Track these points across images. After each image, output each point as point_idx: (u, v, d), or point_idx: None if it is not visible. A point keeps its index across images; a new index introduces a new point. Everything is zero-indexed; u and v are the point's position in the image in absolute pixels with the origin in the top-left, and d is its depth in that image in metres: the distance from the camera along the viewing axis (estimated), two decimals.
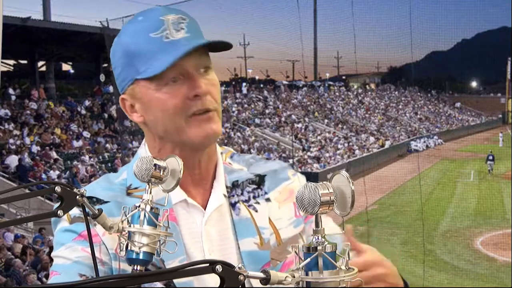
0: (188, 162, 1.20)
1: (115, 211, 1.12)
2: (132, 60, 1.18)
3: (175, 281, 1.14)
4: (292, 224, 1.31)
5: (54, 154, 19.86)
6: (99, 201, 1.18)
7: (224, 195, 1.27)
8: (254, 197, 1.30)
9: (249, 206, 1.28)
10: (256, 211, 1.28)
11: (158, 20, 1.17)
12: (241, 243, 1.24)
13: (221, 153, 1.33)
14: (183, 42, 1.16)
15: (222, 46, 1.21)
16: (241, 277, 0.81)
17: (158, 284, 1.13)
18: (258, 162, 1.38)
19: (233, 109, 36.39)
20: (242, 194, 1.29)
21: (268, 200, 1.31)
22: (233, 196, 1.28)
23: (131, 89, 1.21)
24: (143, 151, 1.28)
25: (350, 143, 37.62)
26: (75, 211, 1.14)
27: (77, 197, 0.94)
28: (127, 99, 1.23)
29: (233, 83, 46.19)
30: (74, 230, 1.15)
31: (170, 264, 1.14)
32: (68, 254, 1.13)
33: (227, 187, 1.28)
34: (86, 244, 1.12)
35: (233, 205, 1.27)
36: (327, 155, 33.50)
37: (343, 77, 69.44)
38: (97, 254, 1.12)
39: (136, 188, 1.22)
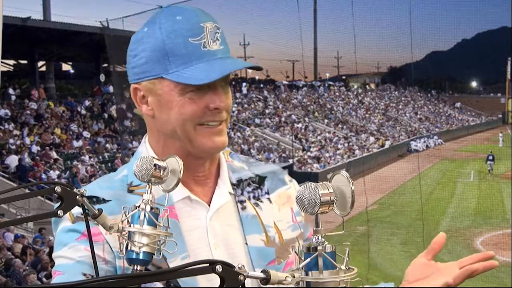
0: (193, 166, 1.22)
1: (117, 209, 1.11)
2: (162, 58, 1.17)
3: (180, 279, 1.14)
4: (289, 228, 1.33)
5: (54, 154, 19.86)
6: (100, 201, 1.18)
7: (230, 193, 1.28)
8: (258, 196, 1.31)
9: (254, 204, 1.30)
10: (261, 209, 1.30)
11: (199, 25, 1.17)
12: (248, 239, 1.25)
13: (222, 151, 1.34)
14: (219, 54, 1.18)
15: (252, 68, 1.25)
16: (241, 277, 0.81)
17: (158, 284, 1.13)
18: (256, 163, 1.40)
19: (233, 109, 36.36)
20: (249, 192, 1.31)
21: (270, 201, 1.33)
22: (239, 193, 1.29)
23: (151, 83, 1.20)
24: (144, 149, 1.28)
25: (350, 143, 37.62)
26: (78, 210, 1.14)
27: (77, 197, 0.94)
28: (141, 89, 1.22)
29: (233, 83, 46.12)
30: (77, 229, 1.15)
31: (173, 261, 1.15)
32: (71, 254, 1.13)
33: (232, 184, 1.29)
34: (89, 243, 1.12)
35: (239, 203, 1.28)
36: (327, 155, 33.50)
37: (343, 77, 69.50)
38: (100, 253, 1.12)
39: (137, 185, 1.21)
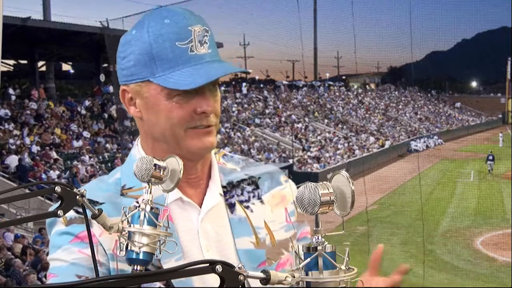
0: (185, 167, 1.21)
1: (111, 212, 1.11)
2: (149, 61, 1.17)
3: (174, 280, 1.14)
4: (283, 228, 1.32)
5: (54, 154, 19.85)
6: (95, 203, 1.17)
7: (220, 194, 1.28)
8: (250, 198, 1.31)
9: (245, 206, 1.29)
10: (252, 211, 1.29)
11: (186, 29, 1.17)
12: (238, 241, 1.25)
13: (214, 153, 1.34)
14: (207, 58, 1.18)
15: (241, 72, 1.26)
16: (241, 277, 0.81)
17: (158, 284, 1.13)
18: (251, 164, 1.39)
19: (233, 109, 36.38)
20: (239, 194, 1.30)
21: (262, 202, 1.32)
22: (229, 196, 1.29)
23: (138, 85, 1.20)
24: (136, 152, 1.28)
25: (350, 143, 37.62)
26: (72, 213, 1.14)
27: (77, 197, 0.94)
28: (129, 91, 1.23)
29: (233, 83, 46.13)
30: (70, 232, 1.15)
31: (167, 262, 1.14)
32: (65, 256, 1.13)
33: (223, 186, 1.29)
34: (82, 245, 1.12)
35: (229, 205, 1.28)
36: (327, 155, 33.49)
37: (343, 77, 69.51)
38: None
39: (130, 188, 1.22)
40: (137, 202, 0.97)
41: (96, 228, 1.06)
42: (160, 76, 1.16)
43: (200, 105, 1.17)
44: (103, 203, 1.18)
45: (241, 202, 1.29)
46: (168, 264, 1.14)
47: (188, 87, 1.13)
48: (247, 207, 1.29)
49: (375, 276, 1.23)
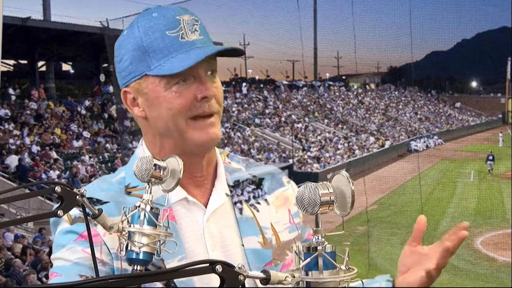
0: (190, 166, 1.21)
1: (115, 211, 1.12)
2: (143, 55, 1.18)
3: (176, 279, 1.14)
4: (287, 229, 1.32)
5: (54, 154, 19.85)
6: (99, 202, 1.18)
7: (227, 194, 1.28)
8: (255, 197, 1.31)
9: (251, 205, 1.29)
10: (258, 211, 1.29)
11: (175, 19, 1.18)
12: (245, 241, 1.25)
13: (219, 153, 1.34)
14: (198, 44, 1.18)
15: (234, 52, 1.24)
16: (241, 277, 0.81)
17: (158, 284, 1.13)
18: (255, 164, 1.40)
19: (233, 109, 36.36)
20: (245, 193, 1.30)
21: (267, 202, 1.32)
22: (236, 195, 1.29)
23: (137, 83, 1.21)
24: (141, 151, 1.28)
25: (350, 143, 37.61)
26: (76, 212, 1.14)
27: (77, 197, 0.94)
28: (130, 92, 1.23)
29: (233, 83, 46.13)
30: (75, 231, 1.15)
31: (170, 263, 1.14)
32: (68, 256, 1.13)
33: (229, 186, 1.29)
34: (86, 245, 1.12)
35: (235, 204, 1.28)
36: (327, 155, 33.49)
37: (343, 77, 69.47)
38: (98, 254, 1.12)
39: (134, 187, 1.22)
40: (142, 200, 0.98)
41: (100, 228, 1.06)
42: (155, 67, 1.17)
43: (200, 91, 1.18)
44: (107, 202, 1.18)
45: (247, 201, 1.29)
46: (171, 264, 1.14)
47: (179, 70, 1.14)
48: (254, 207, 1.29)
49: (418, 245, 1.20)
